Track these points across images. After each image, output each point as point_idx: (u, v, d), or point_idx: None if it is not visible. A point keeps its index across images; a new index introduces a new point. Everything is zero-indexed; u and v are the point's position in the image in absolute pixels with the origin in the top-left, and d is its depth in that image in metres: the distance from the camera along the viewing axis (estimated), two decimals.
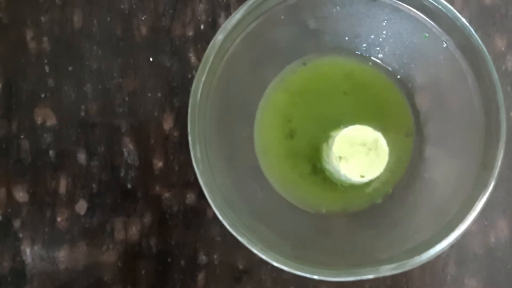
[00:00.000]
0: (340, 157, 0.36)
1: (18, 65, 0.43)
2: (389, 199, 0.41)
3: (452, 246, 0.34)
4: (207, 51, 0.34)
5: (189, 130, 0.34)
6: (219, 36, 0.34)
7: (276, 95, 0.41)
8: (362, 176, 0.36)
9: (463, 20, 0.35)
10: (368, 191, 0.40)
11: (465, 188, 0.35)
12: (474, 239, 0.43)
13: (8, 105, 0.43)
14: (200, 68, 0.34)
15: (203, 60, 0.34)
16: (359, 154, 0.36)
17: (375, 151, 0.36)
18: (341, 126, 0.39)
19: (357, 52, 0.41)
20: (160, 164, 0.42)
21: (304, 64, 0.41)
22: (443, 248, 0.34)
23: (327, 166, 0.39)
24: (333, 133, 0.39)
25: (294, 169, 0.41)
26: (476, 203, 0.34)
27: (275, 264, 0.33)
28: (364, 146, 0.36)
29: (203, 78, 0.34)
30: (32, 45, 0.43)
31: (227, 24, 0.34)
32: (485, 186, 0.34)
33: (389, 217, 0.40)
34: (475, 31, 0.35)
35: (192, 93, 0.34)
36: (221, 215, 0.34)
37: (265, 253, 0.33)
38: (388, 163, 0.38)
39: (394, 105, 0.41)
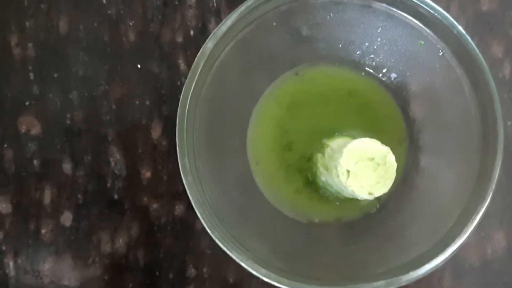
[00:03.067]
0: (348, 172, 0.35)
1: (1, 72, 0.42)
2: (383, 210, 0.40)
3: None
4: (196, 59, 0.34)
5: (177, 141, 0.33)
6: (209, 44, 0.34)
7: (269, 104, 0.40)
8: (370, 194, 0.35)
9: (460, 27, 0.34)
10: (362, 202, 0.39)
11: (461, 199, 0.35)
12: (471, 251, 0.43)
13: None
14: (189, 77, 0.34)
15: (192, 68, 0.34)
16: (367, 169, 0.35)
17: (383, 166, 0.35)
18: (336, 134, 0.38)
19: (350, 60, 0.40)
20: (148, 174, 0.42)
21: (297, 74, 0.40)
22: (439, 263, 0.33)
23: (322, 178, 0.38)
24: (326, 142, 0.38)
25: (288, 179, 0.40)
26: (474, 216, 0.34)
27: (266, 279, 0.32)
28: (373, 160, 0.35)
29: (192, 87, 0.34)
30: (16, 51, 0.42)
31: (217, 31, 0.34)
32: (483, 198, 0.34)
33: (383, 229, 0.39)
34: (471, 37, 0.34)
35: (180, 102, 0.34)
36: (210, 228, 0.33)
37: (255, 268, 0.33)
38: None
39: (387, 113, 0.41)
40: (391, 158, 0.35)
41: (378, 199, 0.39)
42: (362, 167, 0.34)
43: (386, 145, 0.35)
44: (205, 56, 0.34)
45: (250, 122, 0.40)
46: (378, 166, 0.35)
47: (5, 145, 0.42)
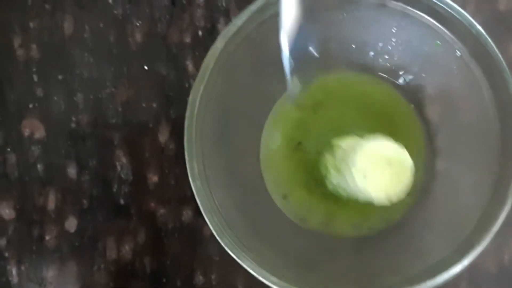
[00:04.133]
0: (365, 176, 0.34)
1: (5, 74, 0.41)
2: None
3: None
4: (205, 59, 0.33)
5: (185, 144, 0.33)
6: (218, 44, 0.33)
7: (282, 109, 0.40)
8: (389, 200, 0.34)
9: (478, 27, 0.33)
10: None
11: (480, 204, 0.34)
12: (488, 257, 0.42)
13: None
14: (198, 78, 0.33)
15: (201, 69, 0.33)
16: (384, 171, 0.34)
17: (400, 168, 0.34)
18: (349, 135, 0.37)
19: (364, 61, 0.39)
20: (155, 178, 0.41)
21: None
22: (458, 271, 0.32)
23: (333, 181, 0.37)
24: (337, 142, 0.37)
25: (302, 186, 0.39)
26: (493, 222, 0.33)
27: None
28: (390, 164, 0.34)
29: (201, 89, 0.33)
30: (20, 52, 0.42)
31: (227, 31, 0.33)
32: (503, 203, 0.33)
33: (398, 235, 0.38)
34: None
35: (189, 104, 0.33)
36: (219, 235, 0.33)
37: (266, 276, 0.32)
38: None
39: (402, 117, 0.40)
40: (409, 162, 0.34)
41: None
42: (378, 169, 0.33)
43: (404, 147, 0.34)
44: (214, 57, 0.33)
45: (264, 126, 0.40)
46: (395, 170, 0.33)
47: (8, 149, 0.41)
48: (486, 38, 0.33)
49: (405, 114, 0.40)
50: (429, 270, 0.33)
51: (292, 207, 0.39)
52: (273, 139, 0.40)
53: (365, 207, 0.36)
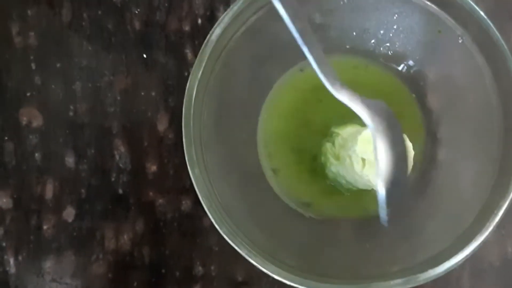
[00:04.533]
0: (363, 160, 0.33)
1: (2, 61, 0.41)
2: None
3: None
4: (203, 46, 0.33)
5: (183, 131, 0.32)
6: (216, 31, 0.33)
7: (281, 96, 0.39)
8: None
9: (481, 12, 0.33)
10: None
11: (482, 194, 0.34)
12: (490, 249, 0.41)
13: None
14: (195, 64, 0.33)
15: (199, 56, 0.33)
16: None
17: None
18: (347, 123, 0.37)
19: (365, 48, 0.39)
20: (153, 168, 0.41)
21: (301, 70, 0.39)
22: (458, 261, 0.32)
23: (332, 169, 0.36)
24: (336, 130, 0.36)
25: (300, 171, 0.39)
26: (495, 212, 0.33)
27: (276, 277, 0.32)
28: None
29: (199, 75, 0.33)
30: (17, 40, 0.41)
31: (225, 17, 0.33)
32: (505, 193, 0.33)
33: (398, 225, 0.38)
34: None
35: (187, 91, 0.32)
36: (217, 223, 0.32)
37: (265, 265, 0.32)
38: None
39: (402, 104, 0.40)
40: (408, 145, 0.33)
41: None
42: None
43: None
44: (212, 44, 0.33)
45: (260, 114, 0.39)
46: None
47: (6, 138, 0.41)
48: (488, 24, 0.33)
49: (406, 103, 0.39)
50: (431, 260, 0.33)
51: (293, 194, 0.39)
52: (269, 126, 0.39)
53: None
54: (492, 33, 0.33)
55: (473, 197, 0.34)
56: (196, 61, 0.33)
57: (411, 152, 0.33)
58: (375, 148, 0.28)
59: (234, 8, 0.33)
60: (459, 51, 0.35)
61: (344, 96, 0.28)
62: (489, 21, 0.33)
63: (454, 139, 0.38)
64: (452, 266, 0.32)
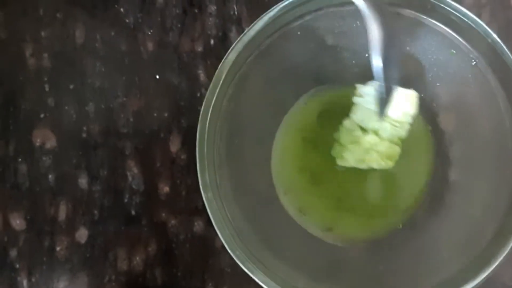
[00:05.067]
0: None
1: (16, 83, 0.41)
2: (411, 226, 0.39)
3: None
4: (217, 70, 0.33)
5: (197, 155, 0.33)
6: (231, 55, 0.33)
7: (295, 119, 0.39)
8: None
9: (494, 35, 0.33)
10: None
11: (496, 217, 0.34)
12: (503, 269, 0.40)
13: (5, 125, 0.41)
14: (210, 88, 0.33)
15: (213, 79, 0.33)
16: None
17: None
18: None
19: None
20: (166, 189, 0.41)
21: (305, 104, 0.39)
22: (473, 286, 0.32)
23: (344, 138, 0.37)
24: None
25: (315, 192, 0.39)
26: (510, 236, 0.32)
27: None
28: None
29: (214, 99, 0.33)
30: (31, 61, 0.41)
31: (239, 42, 0.33)
32: None
33: (411, 247, 0.38)
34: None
35: (201, 115, 0.33)
36: (230, 247, 0.32)
37: None
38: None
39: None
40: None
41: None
42: None
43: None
44: (227, 67, 0.33)
45: (275, 137, 0.39)
46: None
47: (19, 159, 0.41)
48: (502, 47, 0.33)
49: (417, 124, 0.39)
50: (444, 284, 0.33)
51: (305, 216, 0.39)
52: (283, 150, 0.39)
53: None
54: (506, 55, 0.33)
55: (487, 220, 0.34)
56: (211, 85, 0.33)
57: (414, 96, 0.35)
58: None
59: (249, 33, 0.33)
60: (472, 73, 0.35)
61: None
62: (502, 44, 0.33)
63: (467, 161, 0.38)
64: None
